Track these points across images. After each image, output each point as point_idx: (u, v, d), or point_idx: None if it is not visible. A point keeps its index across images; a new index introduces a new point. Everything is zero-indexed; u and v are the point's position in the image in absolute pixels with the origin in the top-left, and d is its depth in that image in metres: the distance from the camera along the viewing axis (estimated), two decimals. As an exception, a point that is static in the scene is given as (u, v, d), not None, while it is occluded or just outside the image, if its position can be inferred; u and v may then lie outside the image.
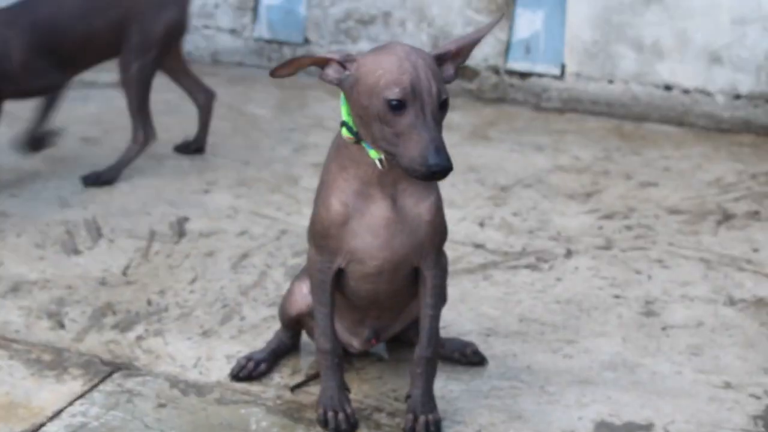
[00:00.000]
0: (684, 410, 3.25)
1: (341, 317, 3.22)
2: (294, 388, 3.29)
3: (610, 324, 3.71)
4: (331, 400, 3.10)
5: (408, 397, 3.15)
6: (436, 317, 3.08)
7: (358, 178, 2.90)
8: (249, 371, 3.31)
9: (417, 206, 2.94)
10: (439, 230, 3.01)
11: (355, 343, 3.29)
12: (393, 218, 2.93)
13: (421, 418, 3.08)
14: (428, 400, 3.11)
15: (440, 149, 2.68)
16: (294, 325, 3.36)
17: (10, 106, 4.67)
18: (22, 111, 5.37)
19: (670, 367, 3.47)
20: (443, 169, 2.67)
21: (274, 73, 2.83)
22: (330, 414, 3.09)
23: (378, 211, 2.92)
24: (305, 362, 3.39)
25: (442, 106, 2.75)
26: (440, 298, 3.10)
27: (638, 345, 3.58)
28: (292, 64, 2.81)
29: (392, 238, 2.94)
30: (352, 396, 3.18)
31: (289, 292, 3.31)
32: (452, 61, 2.86)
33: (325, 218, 2.95)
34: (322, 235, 2.98)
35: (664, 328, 3.69)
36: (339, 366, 3.11)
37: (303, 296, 3.24)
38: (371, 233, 2.94)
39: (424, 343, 3.08)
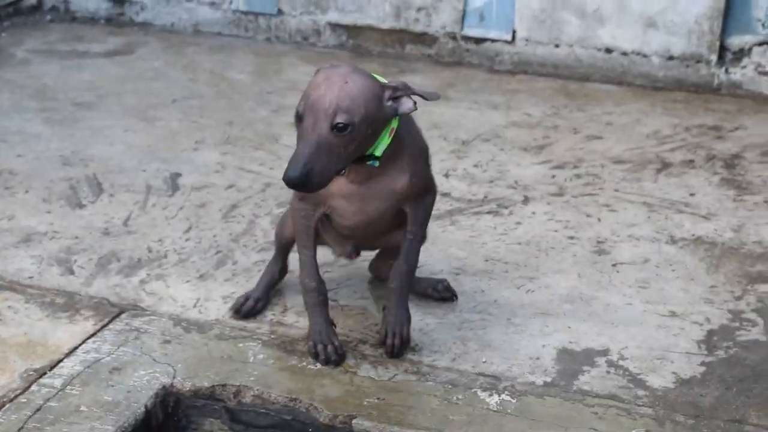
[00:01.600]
0: (635, 337, 3.28)
1: (326, 230, 3.15)
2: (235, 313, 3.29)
3: (566, 262, 3.73)
4: (320, 334, 3.11)
5: (384, 309, 3.16)
6: (413, 241, 3.08)
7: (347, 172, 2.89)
8: (249, 308, 3.31)
9: (393, 184, 2.93)
10: (416, 190, 2.99)
11: (338, 251, 3.24)
12: (364, 192, 2.92)
13: (388, 341, 3.11)
14: (402, 313, 3.12)
15: (297, 165, 2.63)
16: (288, 246, 3.33)
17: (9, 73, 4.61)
18: (26, 80, 5.32)
19: (621, 299, 3.50)
20: (288, 183, 2.65)
21: None
22: (320, 347, 3.10)
23: (350, 187, 2.91)
24: (293, 301, 3.38)
25: (340, 130, 2.67)
26: (420, 226, 3.08)
27: (592, 280, 3.61)
28: None
29: (364, 206, 2.96)
30: (338, 330, 3.19)
31: (284, 217, 3.31)
32: (412, 95, 2.78)
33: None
34: (313, 196, 2.95)
35: (614, 265, 3.71)
36: (324, 303, 3.11)
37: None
38: (345, 200, 2.94)
39: (401, 260, 3.09)
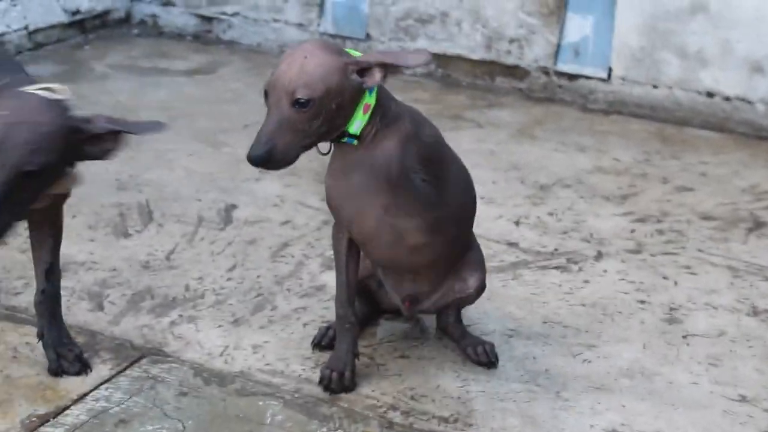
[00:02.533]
0: (697, 423, 2.98)
1: (385, 275, 3.11)
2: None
3: (633, 330, 3.44)
4: (337, 361, 3.01)
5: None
6: None
7: (337, 158, 2.85)
8: (330, 339, 3.18)
9: (381, 168, 2.79)
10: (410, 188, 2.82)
11: (395, 301, 3.14)
12: (359, 188, 2.81)
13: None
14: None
15: (259, 143, 2.62)
16: (359, 288, 3.17)
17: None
18: (101, 96, 5.21)
19: (687, 377, 3.20)
20: (251, 161, 2.63)
21: None
22: (333, 374, 3.00)
23: (349, 184, 2.83)
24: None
25: (301, 106, 2.61)
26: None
27: (658, 353, 3.32)
28: None
29: (363, 207, 2.84)
30: (369, 392, 2.97)
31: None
32: (381, 68, 2.67)
33: (325, 192, 2.93)
34: (329, 207, 2.94)
35: (685, 336, 3.41)
36: (350, 331, 3.01)
37: (362, 260, 3.07)
38: (348, 203, 2.86)
39: None
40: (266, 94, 2.68)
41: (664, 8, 5.20)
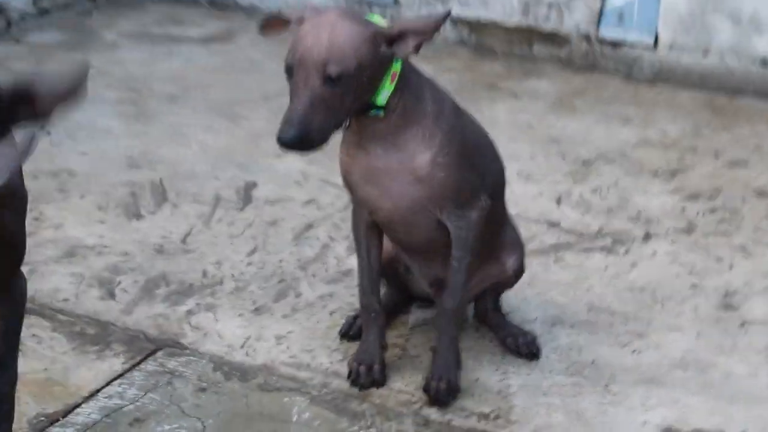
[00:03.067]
0: (757, 419, 2.90)
1: (411, 259, 3.04)
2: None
3: (685, 317, 3.36)
4: (364, 353, 2.96)
5: (432, 349, 2.99)
6: (458, 270, 2.86)
7: (354, 131, 2.76)
8: (358, 328, 3.11)
9: (411, 161, 2.72)
10: (447, 186, 2.75)
11: (424, 286, 3.09)
12: (385, 169, 2.74)
13: (433, 384, 2.90)
14: (449, 357, 2.92)
15: (291, 124, 2.54)
16: (386, 272, 3.10)
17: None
18: (111, 66, 5.15)
19: (745, 368, 3.12)
20: (284, 144, 2.56)
21: (263, 34, 2.77)
22: (361, 368, 2.94)
23: (371, 162, 2.76)
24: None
25: (334, 82, 2.54)
26: (466, 250, 2.85)
27: (713, 342, 3.24)
28: (269, 25, 2.74)
29: (387, 189, 2.77)
30: (402, 386, 2.91)
31: None
32: (413, 37, 2.60)
33: (340, 168, 2.86)
34: (346, 185, 2.88)
35: (742, 324, 3.33)
36: (375, 321, 2.96)
37: (387, 242, 3.00)
38: (369, 183, 2.79)
39: (445, 295, 2.91)
40: (290, 71, 2.59)
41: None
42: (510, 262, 3.04)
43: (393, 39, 2.61)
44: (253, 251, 3.61)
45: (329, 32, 2.56)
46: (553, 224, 3.88)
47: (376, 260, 2.94)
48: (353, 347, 3.08)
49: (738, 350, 3.20)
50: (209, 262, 3.53)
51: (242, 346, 3.10)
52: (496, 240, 2.99)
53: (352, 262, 3.54)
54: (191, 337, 3.13)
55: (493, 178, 2.92)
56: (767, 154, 4.53)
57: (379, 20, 2.67)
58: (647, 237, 3.83)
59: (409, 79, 2.71)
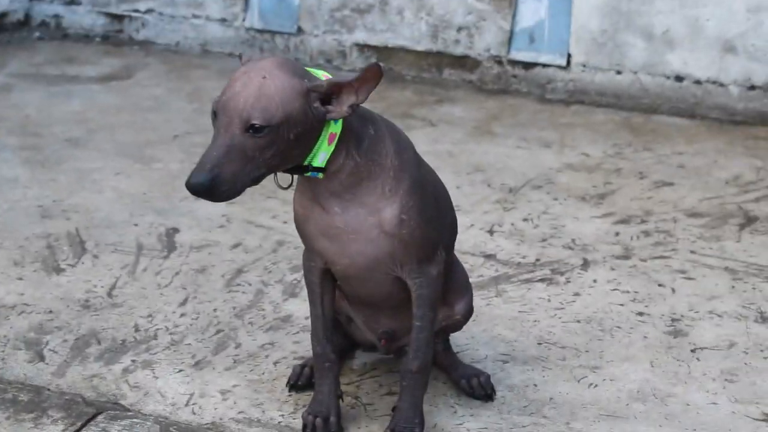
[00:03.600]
0: (724, 449, 2.90)
1: (357, 310, 2.97)
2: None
3: (636, 346, 3.35)
4: (319, 405, 2.87)
5: (393, 408, 2.90)
6: (422, 329, 2.80)
7: (306, 185, 2.70)
8: (307, 378, 3.05)
9: (372, 216, 2.65)
10: (411, 242, 2.69)
11: (370, 338, 3.02)
12: (341, 227, 2.67)
13: None
14: (412, 416, 2.84)
15: (202, 169, 2.47)
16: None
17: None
18: (6, 110, 5.00)
19: (704, 396, 3.11)
20: (191, 189, 2.47)
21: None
22: (310, 418, 2.86)
23: (327, 219, 2.68)
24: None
25: (256, 133, 2.46)
26: (428, 308, 2.79)
27: (668, 371, 3.23)
28: None
29: (346, 246, 2.70)
30: (360, 438, 2.84)
31: None
32: (347, 95, 2.52)
33: (294, 218, 2.77)
34: (300, 234, 2.78)
35: (693, 350, 3.33)
36: (330, 370, 2.88)
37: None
38: (326, 238, 2.71)
39: (410, 356, 2.83)
40: (215, 115, 2.51)
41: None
42: (459, 306, 2.99)
43: (328, 96, 2.52)
44: (184, 301, 3.51)
45: (260, 80, 2.49)
46: (489, 256, 3.86)
47: (329, 308, 2.87)
48: (303, 398, 3.01)
49: (694, 378, 3.20)
50: (140, 316, 3.42)
51: (187, 404, 3.00)
52: (446, 285, 2.94)
53: (289, 307, 3.49)
54: (132, 398, 3.02)
55: (449, 229, 2.88)
56: (692, 173, 4.58)
57: (318, 74, 2.58)
58: (585, 265, 3.82)
59: (361, 135, 2.62)
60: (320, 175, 2.61)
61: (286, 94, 2.48)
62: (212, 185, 2.46)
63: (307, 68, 2.60)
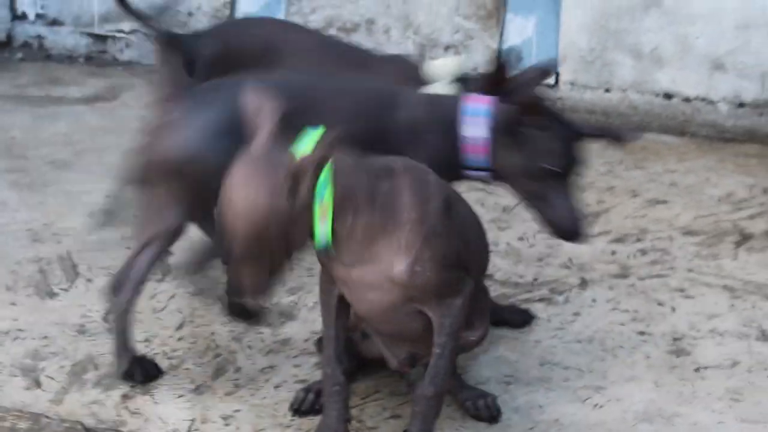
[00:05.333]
0: (734, 469, 2.87)
1: (378, 335, 2.93)
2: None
3: (639, 366, 3.33)
4: (327, 429, 2.82)
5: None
6: (441, 356, 2.76)
7: None
8: (311, 403, 3.00)
9: (386, 270, 2.62)
10: (428, 288, 2.67)
11: (393, 362, 2.96)
12: (358, 280, 2.65)
13: None
14: None
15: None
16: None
17: None
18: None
19: (710, 416, 3.09)
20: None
21: None
22: None
23: (341, 271, 2.66)
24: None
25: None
26: (449, 337, 2.76)
27: (672, 391, 3.20)
28: None
29: (364, 295, 2.69)
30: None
31: None
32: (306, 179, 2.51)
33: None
34: (320, 261, 2.74)
35: (697, 369, 3.31)
36: (340, 394, 2.83)
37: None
38: (346, 287, 2.71)
39: (426, 381, 2.79)
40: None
41: (614, 4, 5.15)
42: (477, 329, 2.95)
43: (293, 186, 2.46)
44: (181, 325, 3.47)
45: (240, 198, 2.45)
46: (486, 276, 3.82)
47: (342, 331, 2.83)
48: (306, 423, 2.97)
49: (699, 398, 3.17)
50: (137, 341, 3.35)
51: (189, 430, 2.95)
52: (470, 308, 2.89)
53: (288, 330, 3.45)
54: (132, 424, 2.97)
55: (478, 260, 2.86)
56: (684, 191, 4.57)
57: (300, 149, 2.49)
58: (584, 284, 3.80)
59: (372, 194, 2.58)
60: (332, 251, 2.58)
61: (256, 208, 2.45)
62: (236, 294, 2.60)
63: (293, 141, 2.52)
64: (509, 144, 3.07)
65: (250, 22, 3.90)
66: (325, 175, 2.49)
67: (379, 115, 3.05)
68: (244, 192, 2.45)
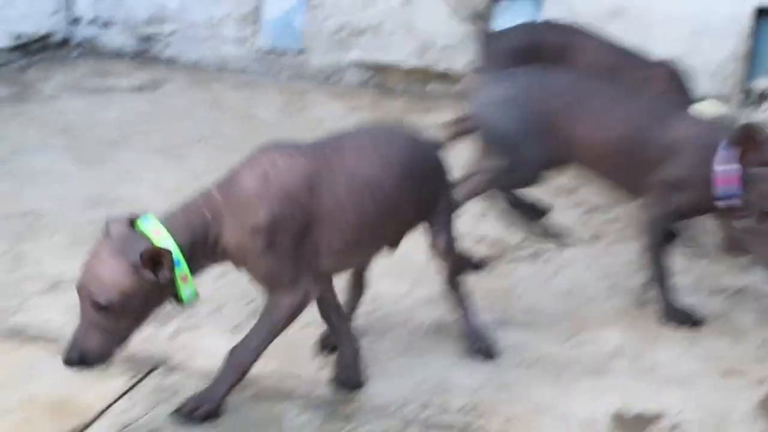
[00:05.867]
0: (688, 400, 2.93)
1: None
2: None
3: (610, 314, 3.39)
4: (342, 359, 2.92)
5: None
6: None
7: None
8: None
9: None
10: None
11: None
12: None
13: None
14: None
15: (70, 349, 2.49)
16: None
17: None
18: (53, 116, 4.97)
19: (669, 354, 3.16)
20: (66, 365, 2.50)
21: None
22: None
23: None
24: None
25: (104, 310, 2.48)
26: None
27: (638, 334, 3.27)
28: None
29: None
30: (384, 389, 2.85)
31: None
32: (167, 260, 2.49)
33: None
34: None
35: (659, 318, 3.37)
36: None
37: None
38: None
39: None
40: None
41: (588, 9, 5.19)
42: None
43: (153, 264, 2.47)
44: (223, 274, 3.50)
45: (93, 262, 2.49)
46: (481, 239, 3.89)
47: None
48: (329, 357, 3.02)
49: (660, 340, 3.24)
50: (183, 288, 3.41)
51: (229, 362, 3.00)
52: None
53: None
54: (181, 356, 3.03)
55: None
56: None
57: (149, 234, 2.52)
58: (563, 246, 3.86)
59: (204, 240, 2.63)
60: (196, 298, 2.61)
61: (113, 275, 2.47)
62: (81, 360, 2.50)
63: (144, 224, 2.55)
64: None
65: (553, 23, 4.07)
66: (175, 251, 2.52)
67: (648, 126, 3.22)
68: (107, 260, 2.46)
